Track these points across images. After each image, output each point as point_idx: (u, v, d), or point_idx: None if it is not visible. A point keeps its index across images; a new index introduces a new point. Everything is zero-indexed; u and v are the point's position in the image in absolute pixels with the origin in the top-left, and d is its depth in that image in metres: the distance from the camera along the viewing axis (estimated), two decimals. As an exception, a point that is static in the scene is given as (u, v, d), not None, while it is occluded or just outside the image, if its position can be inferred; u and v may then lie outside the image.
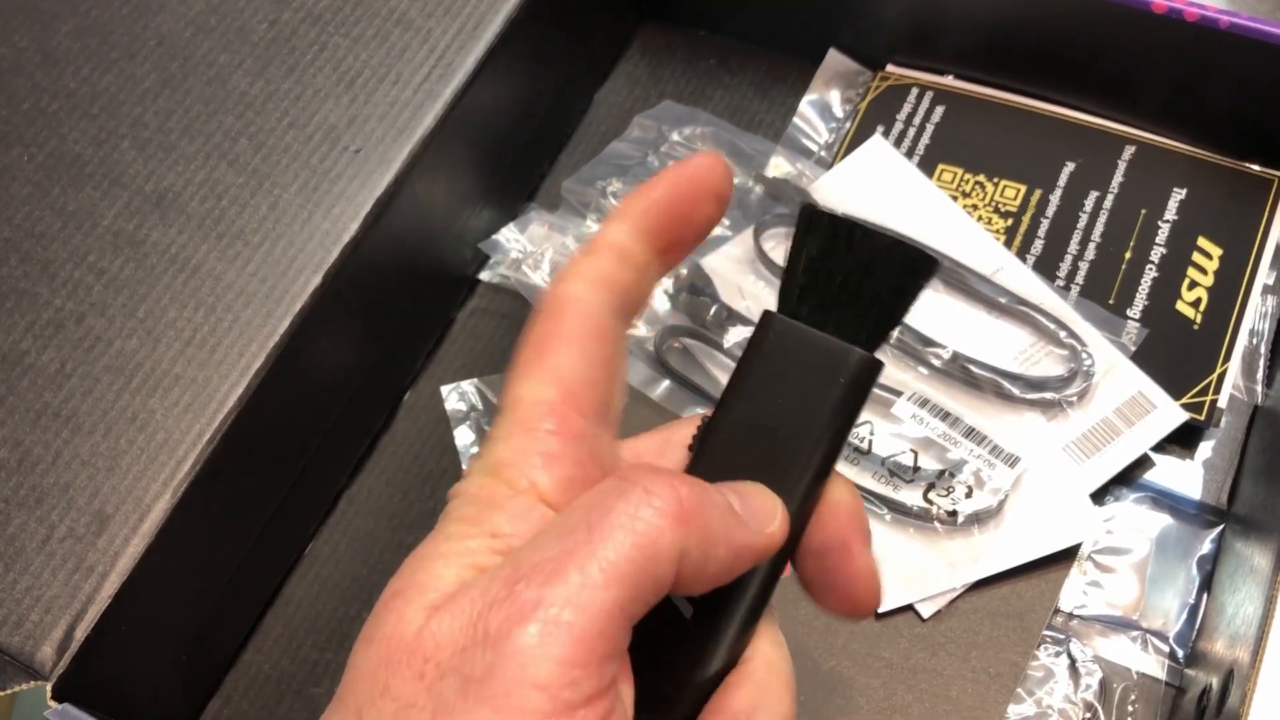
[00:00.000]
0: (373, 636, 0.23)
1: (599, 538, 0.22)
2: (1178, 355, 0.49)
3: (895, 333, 0.49)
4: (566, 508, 0.24)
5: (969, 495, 0.46)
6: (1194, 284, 0.50)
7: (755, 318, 0.50)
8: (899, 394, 0.48)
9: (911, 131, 0.56)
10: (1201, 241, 0.51)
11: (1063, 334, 0.49)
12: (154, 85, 0.50)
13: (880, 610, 0.45)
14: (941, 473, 0.47)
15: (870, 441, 0.48)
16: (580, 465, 0.25)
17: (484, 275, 0.56)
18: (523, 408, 0.26)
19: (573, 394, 0.26)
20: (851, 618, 0.29)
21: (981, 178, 0.54)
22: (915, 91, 0.57)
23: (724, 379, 0.50)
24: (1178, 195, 0.52)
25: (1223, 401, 0.48)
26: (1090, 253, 0.52)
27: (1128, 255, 0.51)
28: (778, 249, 0.53)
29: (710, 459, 0.27)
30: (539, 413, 0.25)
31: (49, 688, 0.39)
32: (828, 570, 0.28)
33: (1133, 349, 0.49)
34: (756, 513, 0.25)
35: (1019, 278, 0.50)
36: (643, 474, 0.23)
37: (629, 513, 0.22)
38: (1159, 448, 0.48)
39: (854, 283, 0.27)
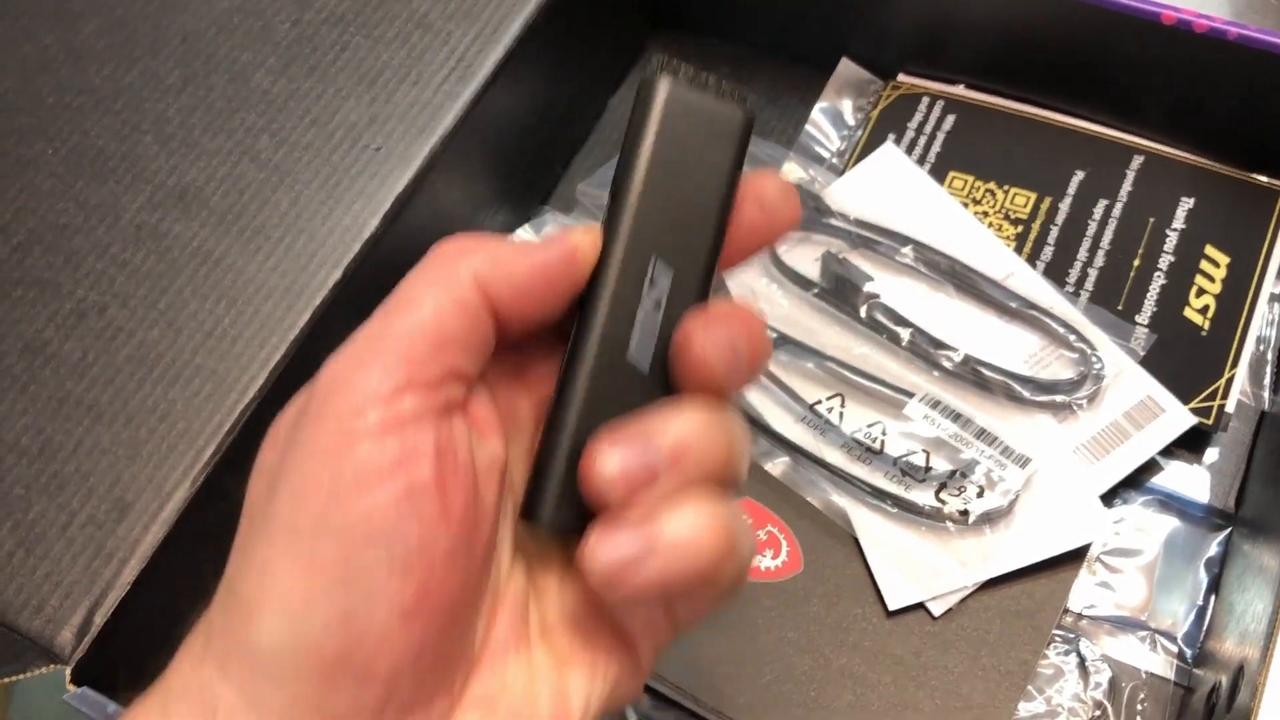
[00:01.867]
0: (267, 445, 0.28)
1: (393, 298, 0.27)
2: (1186, 361, 0.49)
3: (906, 334, 0.49)
4: None
5: (980, 495, 0.46)
6: (1202, 291, 0.51)
7: (767, 320, 0.51)
8: (911, 395, 0.48)
9: (923, 140, 0.56)
10: (1209, 250, 0.52)
11: (1073, 338, 0.49)
12: (177, 82, 0.50)
13: (892, 608, 0.46)
14: (953, 473, 0.47)
15: (882, 441, 0.48)
16: None
17: (499, 276, 0.57)
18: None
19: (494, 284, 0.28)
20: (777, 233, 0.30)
21: (992, 185, 0.55)
22: (926, 100, 0.58)
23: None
24: (1185, 205, 0.53)
25: (1230, 406, 0.48)
26: (1099, 260, 0.52)
27: (1136, 263, 0.52)
28: (790, 252, 0.53)
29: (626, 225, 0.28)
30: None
31: (69, 671, 0.40)
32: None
33: (1141, 354, 0.49)
34: (557, 238, 0.27)
35: (1030, 283, 0.51)
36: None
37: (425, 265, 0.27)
38: (1167, 451, 0.48)
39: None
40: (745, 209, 0.29)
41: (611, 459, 0.25)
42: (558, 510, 0.27)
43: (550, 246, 0.27)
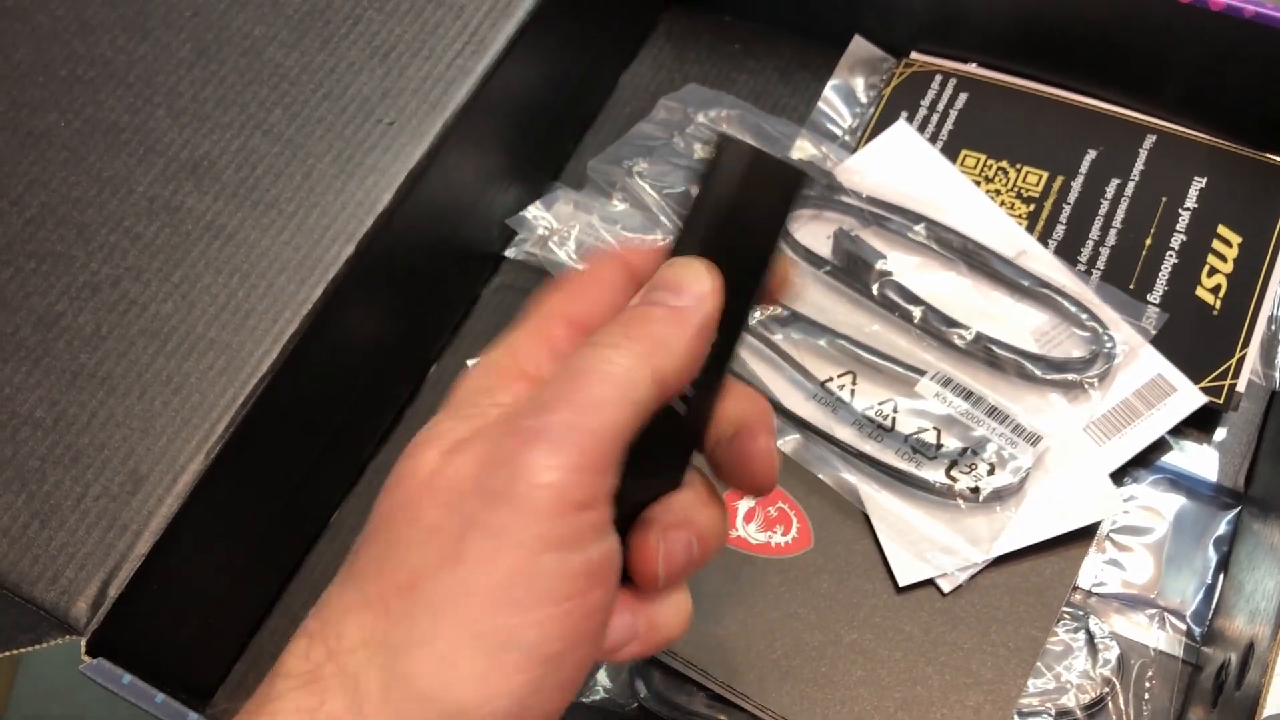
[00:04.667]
0: (394, 485, 0.27)
1: (582, 382, 0.26)
2: (1197, 340, 0.49)
3: (918, 311, 0.49)
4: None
5: (991, 473, 0.46)
6: (1214, 270, 0.51)
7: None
8: (922, 373, 0.48)
9: (935, 118, 0.56)
10: (1221, 229, 0.52)
11: (1084, 317, 0.49)
12: (189, 55, 0.50)
13: (902, 584, 0.46)
14: (964, 451, 0.47)
15: (894, 419, 0.48)
16: None
17: (510, 252, 0.57)
18: (543, 311, 0.30)
19: (584, 319, 0.30)
20: (753, 495, 0.35)
21: (1004, 164, 0.55)
22: (939, 78, 0.57)
23: (750, 356, 0.51)
24: (1198, 184, 0.53)
25: (1241, 386, 0.48)
26: (1111, 239, 0.52)
27: (1148, 242, 0.52)
28: (802, 229, 0.53)
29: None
30: (555, 318, 0.30)
31: (83, 643, 0.40)
32: (734, 451, 0.31)
33: (1153, 333, 0.49)
34: (687, 287, 0.29)
35: (1041, 261, 0.51)
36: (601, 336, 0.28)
37: (603, 360, 0.27)
38: (1177, 430, 0.48)
39: None
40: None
41: (664, 552, 0.30)
42: None
43: (694, 309, 0.29)
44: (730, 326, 0.30)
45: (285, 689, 0.26)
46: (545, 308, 0.31)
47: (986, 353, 0.49)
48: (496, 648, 0.25)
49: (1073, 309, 0.49)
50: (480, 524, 0.25)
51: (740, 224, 0.30)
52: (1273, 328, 0.50)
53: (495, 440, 0.26)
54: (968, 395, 0.48)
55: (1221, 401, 0.48)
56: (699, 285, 0.29)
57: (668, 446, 0.31)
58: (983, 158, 0.55)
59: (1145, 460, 0.48)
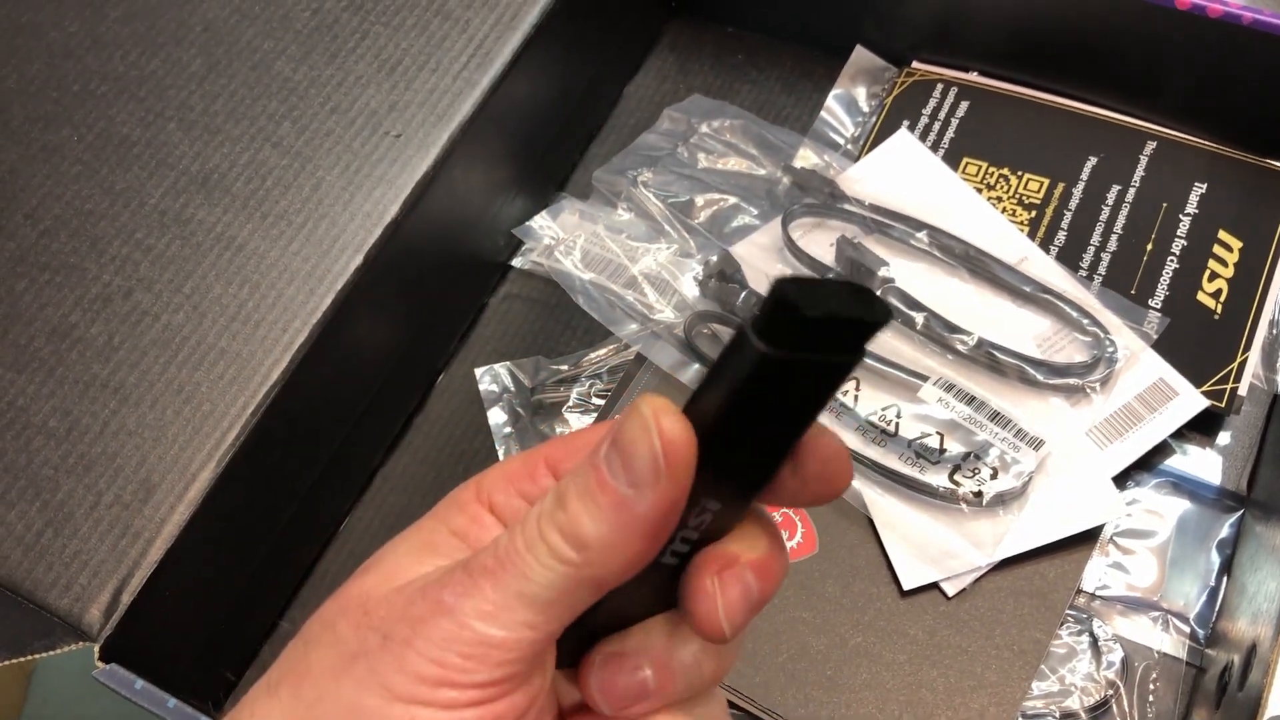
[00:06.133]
0: (339, 594, 0.27)
1: (511, 568, 0.24)
2: (1199, 344, 0.50)
3: (921, 318, 0.50)
4: (507, 530, 0.25)
5: (994, 477, 0.47)
6: (1215, 275, 0.51)
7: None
8: (925, 378, 0.49)
9: (936, 126, 0.57)
10: (1222, 235, 0.52)
11: (1086, 322, 0.50)
12: (200, 70, 0.51)
13: (906, 588, 0.46)
14: (967, 455, 0.47)
15: (897, 424, 0.49)
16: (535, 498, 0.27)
17: (516, 261, 0.58)
18: (523, 456, 0.28)
19: (559, 463, 0.28)
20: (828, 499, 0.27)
21: (1005, 171, 0.55)
22: (940, 87, 0.58)
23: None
24: (1198, 190, 0.53)
25: (1243, 389, 0.49)
26: (1112, 244, 0.53)
27: (1149, 247, 0.52)
28: (805, 237, 0.54)
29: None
30: (532, 460, 0.28)
31: (97, 649, 0.41)
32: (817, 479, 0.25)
33: (1154, 337, 0.50)
34: (636, 463, 0.22)
35: (1043, 267, 0.52)
36: (544, 520, 0.24)
37: (534, 556, 0.24)
38: (1180, 434, 0.49)
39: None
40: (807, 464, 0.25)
41: (597, 681, 0.27)
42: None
43: (634, 501, 0.23)
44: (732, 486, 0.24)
45: None
46: (537, 450, 0.28)
47: (989, 358, 0.49)
48: None
49: (1074, 314, 0.50)
50: (369, 658, 0.25)
51: (756, 420, 0.23)
52: (1274, 331, 0.51)
53: (420, 590, 0.25)
54: (970, 400, 0.48)
55: (1223, 405, 0.48)
56: (650, 465, 0.22)
57: (654, 592, 0.26)
58: (984, 165, 0.55)
59: (1148, 464, 0.49)
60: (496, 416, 0.53)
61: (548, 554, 0.23)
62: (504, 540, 0.24)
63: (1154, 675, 0.45)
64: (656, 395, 0.23)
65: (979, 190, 0.55)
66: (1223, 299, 0.51)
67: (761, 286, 0.52)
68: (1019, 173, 0.55)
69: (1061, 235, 0.53)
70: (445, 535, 0.27)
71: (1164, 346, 0.50)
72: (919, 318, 0.50)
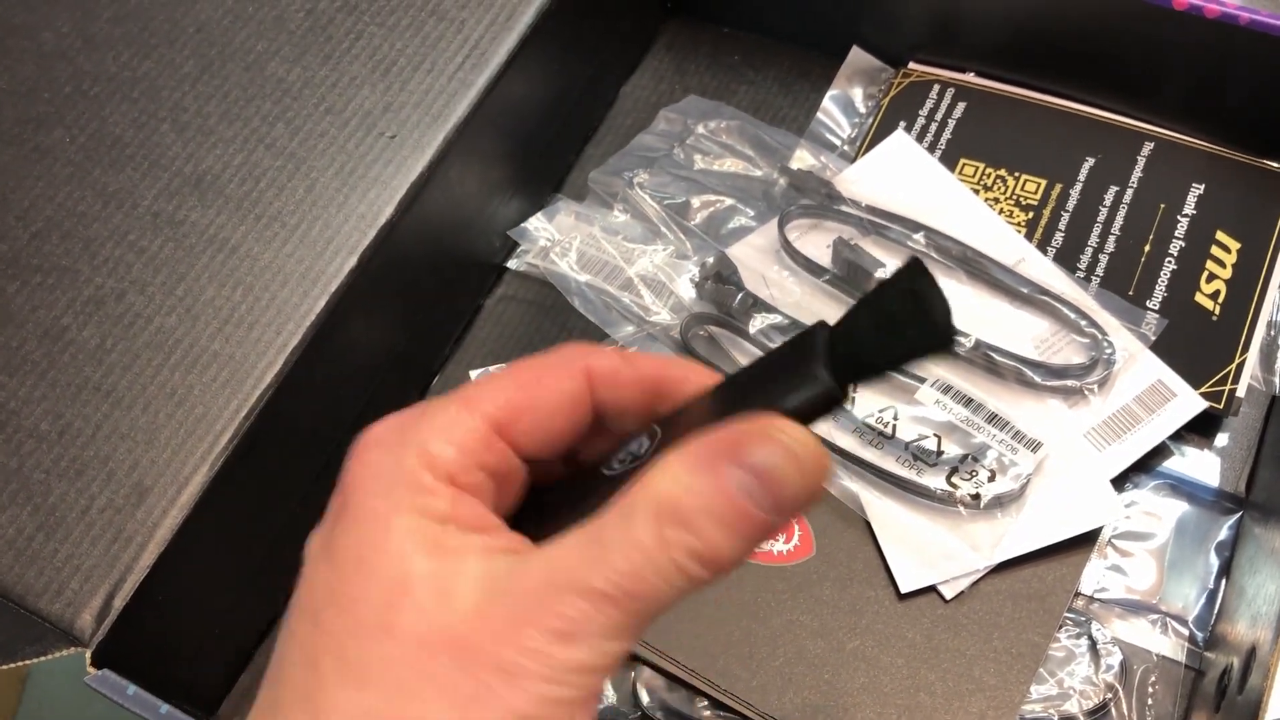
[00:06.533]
0: (391, 622, 0.24)
1: (641, 597, 0.23)
2: (1197, 345, 0.50)
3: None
4: (601, 549, 0.24)
5: (992, 479, 0.47)
6: (1213, 276, 0.51)
7: (779, 305, 0.52)
8: (922, 380, 0.49)
9: (933, 127, 0.57)
10: (1220, 235, 0.52)
11: (1084, 323, 0.49)
12: (193, 71, 0.50)
13: (904, 591, 0.46)
14: (965, 457, 0.47)
15: (894, 426, 0.48)
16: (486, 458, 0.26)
17: (512, 263, 0.57)
18: (459, 420, 0.27)
19: (507, 426, 0.27)
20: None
21: (1003, 172, 0.55)
22: (937, 88, 0.58)
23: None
24: (1196, 191, 0.53)
25: (1241, 391, 0.48)
26: (1110, 245, 0.52)
27: (1147, 248, 0.52)
28: (801, 239, 0.54)
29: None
30: (476, 428, 0.26)
31: (89, 654, 0.40)
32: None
33: (1152, 339, 0.50)
34: (786, 495, 0.24)
35: (1040, 268, 0.51)
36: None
37: (666, 581, 0.23)
38: (1178, 436, 0.49)
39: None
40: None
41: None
42: None
43: (768, 523, 0.24)
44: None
45: None
46: (470, 408, 0.26)
47: (986, 360, 0.49)
48: None
49: (1072, 315, 0.50)
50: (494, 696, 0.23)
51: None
52: (1272, 333, 0.51)
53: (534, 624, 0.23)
54: (968, 402, 0.48)
55: (1222, 407, 0.48)
56: (805, 497, 0.24)
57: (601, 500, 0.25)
58: (981, 166, 0.55)
59: (1146, 466, 0.48)
60: (492, 419, 0.53)
61: (681, 578, 0.23)
62: (619, 564, 0.23)
63: (1153, 678, 0.45)
64: (781, 417, 0.23)
65: (976, 191, 0.54)
66: (1221, 300, 0.50)
67: (757, 288, 0.52)
68: (1016, 174, 0.55)
69: (1059, 236, 0.53)
70: (436, 526, 0.25)
71: (1162, 348, 0.49)
72: (916, 319, 0.50)
